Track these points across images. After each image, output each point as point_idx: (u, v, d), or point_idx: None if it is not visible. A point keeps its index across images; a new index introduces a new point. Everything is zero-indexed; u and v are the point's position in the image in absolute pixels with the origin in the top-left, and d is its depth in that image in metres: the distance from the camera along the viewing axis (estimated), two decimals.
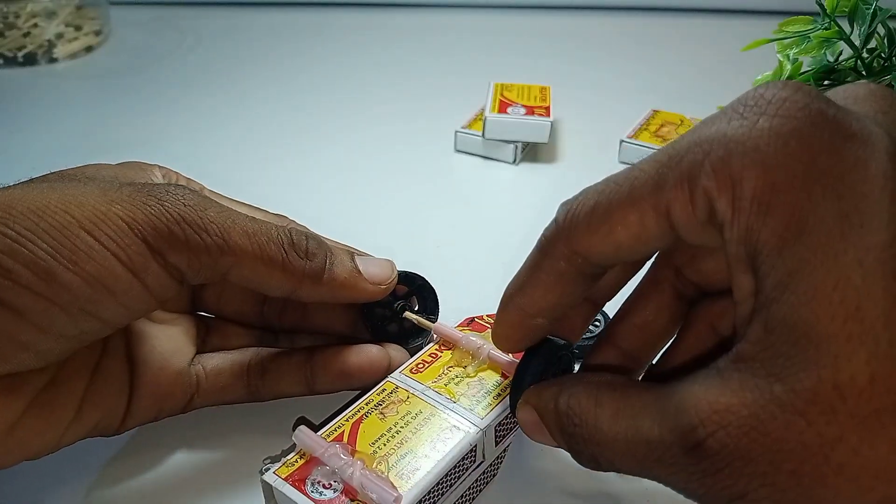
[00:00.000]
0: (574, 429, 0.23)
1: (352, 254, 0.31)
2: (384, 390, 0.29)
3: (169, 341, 0.31)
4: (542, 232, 0.24)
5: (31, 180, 0.27)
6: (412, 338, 0.33)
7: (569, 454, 0.24)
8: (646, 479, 0.21)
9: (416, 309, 0.34)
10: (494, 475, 0.29)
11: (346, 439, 0.26)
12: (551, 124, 0.53)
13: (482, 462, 0.28)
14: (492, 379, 0.29)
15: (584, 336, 0.28)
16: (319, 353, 0.32)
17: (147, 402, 0.30)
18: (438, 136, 0.57)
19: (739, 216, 0.18)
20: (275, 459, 0.26)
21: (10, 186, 0.26)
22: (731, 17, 0.84)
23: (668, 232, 0.20)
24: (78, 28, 0.72)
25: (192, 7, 0.84)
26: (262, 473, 0.26)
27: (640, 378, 0.27)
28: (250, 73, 0.70)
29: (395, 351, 0.32)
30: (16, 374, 0.25)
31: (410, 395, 0.28)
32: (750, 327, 0.18)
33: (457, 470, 0.26)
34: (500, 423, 0.28)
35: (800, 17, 0.38)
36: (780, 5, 0.69)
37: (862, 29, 0.36)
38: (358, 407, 0.28)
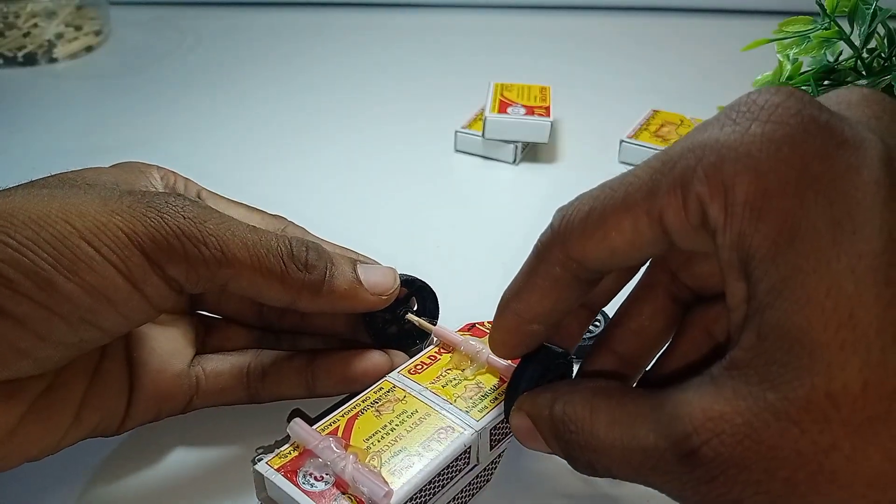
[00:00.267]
0: (570, 435, 0.23)
1: (354, 262, 0.31)
2: (381, 389, 0.29)
3: (168, 343, 0.31)
4: (538, 237, 0.24)
5: (32, 183, 0.27)
6: (413, 340, 0.33)
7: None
8: (641, 486, 0.21)
9: (415, 309, 0.33)
10: (488, 480, 0.29)
11: (340, 434, 0.26)
12: (551, 124, 0.53)
13: (476, 465, 0.28)
14: (490, 383, 0.29)
15: (584, 336, 0.28)
16: (321, 357, 0.32)
17: (146, 403, 0.30)
18: (438, 136, 0.57)
19: (732, 222, 0.19)
20: (268, 450, 0.26)
21: (10, 191, 0.26)
22: (731, 17, 0.84)
23: (662, 237, 0.20)
24: (78, 28, 0.72)
25: (192, 7, 0.84)
26: (255, 463, 0.26)
27: (635, 384, 0.27)
28: (250, 73, 0.70)
29: (398, 357, 0.32)
30: (14, 381, 0.25)
31: (407, 395, 0.28)
32: (743, 334, 0.18)
33: (450, 470, 0.26)
34: (495, 427, 0.28)
35: (800, 17, 0.38)
36: (780, 5, 0.69)
37: (862, 29, 0.36)
38: (354, 404, 0.28)
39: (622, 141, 0.55)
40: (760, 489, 0.18)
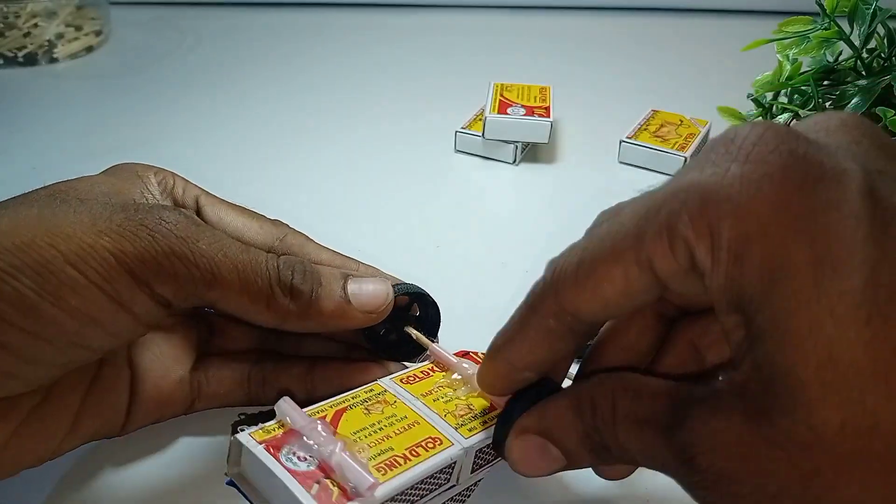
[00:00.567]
0: (604, 426, 0.23)
1: (345, 277, 0.30)
2: (372, 390, 0.28)
3: (170, 348, 0.31)
4: (531, 287, 0.23)
5: (24, 199, 0.27)
6: (411, 351, 0.32)
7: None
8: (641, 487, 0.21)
9: (417, 315, 0.33)
10: None
11: (329, 422, 0.26)
12: (551, 124, 0.53)
13: (454, 486, 0.27)
14: (480, 407, 0.28)
15: None
16: (321, 366, 0.32)
17: (147, 408, 0.30)
18: (438, 137, 0.57)
19: (718, 265, 0.19)
20: (249, 422, 0.26)
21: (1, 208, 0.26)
22: (731, 17, 0.84)
23: (654, 284, 0.21)
24: (78, 28, 0.72)
25: (192, 7, 0.84)
26: (235, 432, 0.25)
27: None
28: (250, 74, 0.70)
29: (396, 370, 0.31)
30: (4, 399, 0.25)
31: (398, 401, 0.28)
32: (744, 360, 0.19)
33: (432, 482, 0.26)
34: (481, 450, 0.27)
35: (800, 17, 0.38)
36: (780, 5, 0.69)
37: (862, 29, 0.36)
38: (343, 398, 0.27)
39: (622, 141, 0.55)
40: (752, 500, 0.19)
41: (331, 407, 0.27)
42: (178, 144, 0.57)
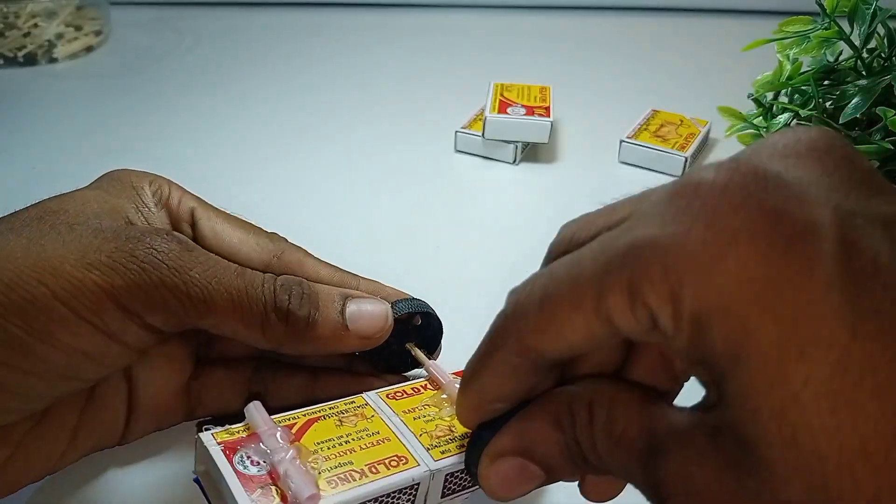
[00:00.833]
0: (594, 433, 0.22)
1: (345, 298, 0.29)
2: (353, 402, 0.28)
3: (168, 359, 0.30)
4: (493, 319, 0.23)
5: (13, 221, 0.26)
6: (410, 367, 0.32)
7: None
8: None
9: (420, 325, 0.32)
10: None
11: (294, 431, 0.26)
12: (551, 124, 0.53)
13: None
14: (462, 430, 0.28)
15: None
16: (323, 378, 0.31)
17: (146, 420, 0.29)
18: (438, 137, 0.57)
19: (681, 334, 0.18)
20: (216, 422, 0.26)
21: None
22: (731, 17, 0.84)
23: (616, 333, 0.20)
24: (78, 28, 0.72)
25: (192, 7, 0.84)
26: (201, 431, 0.25)
27: None
28: (250, 74, 0.70)
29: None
30: None
31: (376, 415, 0.27)
32: (716, 408, 0.18)
33: (389, 501, 0.25)
34: (452, 474, 0.26)
35: (800, 17, 0.38)
36: (780, 5, 0.69)
37: (862, 29, 0.36)
38: (320, 407, 0.27)
39: (622, 141, 0.55)
40: None
41: (304, 415, 0.27)
42: (178, 144, 0.57)
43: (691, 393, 0.21)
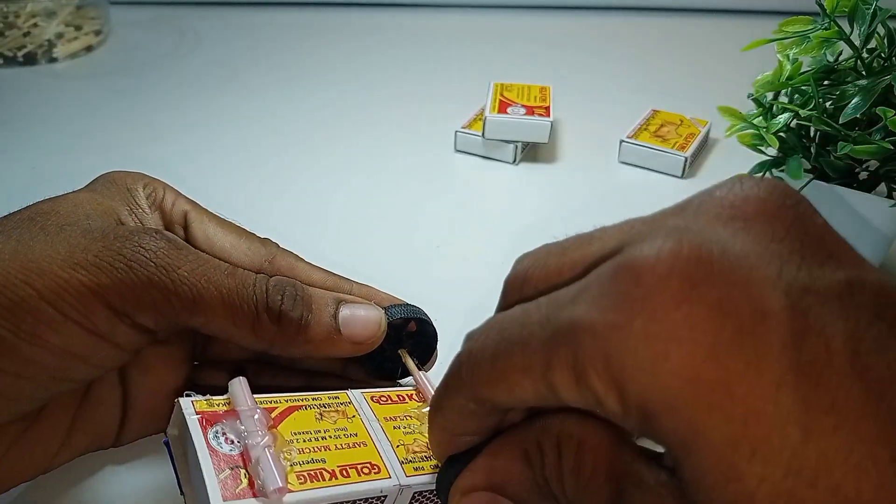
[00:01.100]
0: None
1: (338, 302, 0.29)
2: (336, 398, 0.28)
3: (162, 360, 0.30)
4: (452, 360, 0.22)
5: (4, 222, 0.26)
6: (404, 374, 0.32)
7: None
8: None
9: (414, 331, 0.32)
10: None
11: (273, 416, 0.25)
12: (551, 124, 0.53)
13: None
14: None
15: None
16: (318, 382, 0.31)
17: (142, 422, 0.29)
18: (438, 137, 0.57)
19: (629, 419, 0.17)
20: (201, 392, 0.25)
21: None
22: (731, 17, 0.84)
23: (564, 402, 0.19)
24: (78, 28, 0.72)
25: (192, 7, 0.84)
26: (182, 395, 0.25)
27: None
28: (250, 74, 0.70)
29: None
30: None
31: (357, 416, 0.27)
32: (677, 477, 0.18)
33: None
34: (422, 493, 0.26)
35: (800, 17, 0.38)
36: (780, 5, 0.69)
37: (862, 29, 0.36)
38: (302, 396, 0.27)
39: (622, 141, 0.55)
40: None
41: (286, 401, 0.26)
42: (178, 144, 0.57)
43: None
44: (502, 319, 0.20)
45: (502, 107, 0.54)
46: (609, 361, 0.17)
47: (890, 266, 0.44)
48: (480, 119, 0.56)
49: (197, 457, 0.23)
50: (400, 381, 0.32)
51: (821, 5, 0.37)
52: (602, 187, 0.53)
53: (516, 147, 0.54)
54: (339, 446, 0.25)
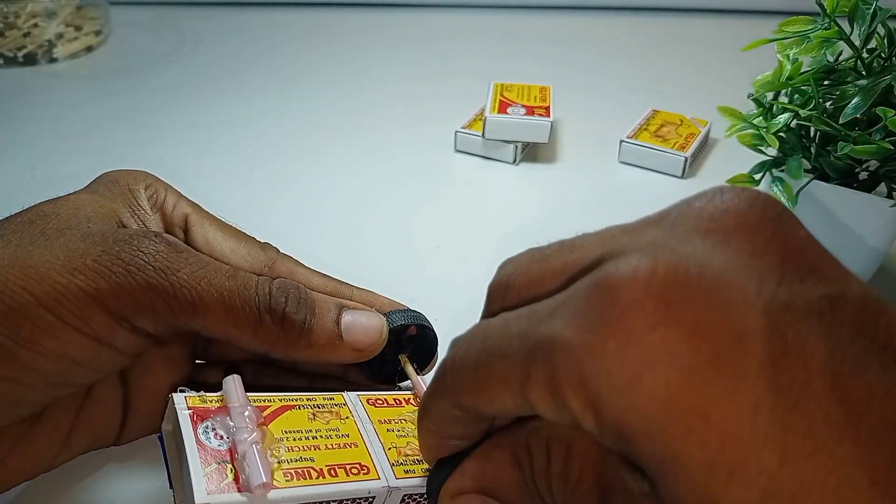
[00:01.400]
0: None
1: (340, 308, 0.29)
2: (331, 398, 0.28)
3: (164, 361, 0.30)
4: (438, 364, 0.22)
5: (4, 225, 0.26)
6: (404, 378, 0.32)
7: None
8: None
9: (415, 335, 0.32)
10: None
11: (265, 415, 0.25)
12: (551, 124, 0.53)
13: None
14: None
15: None
16: (319, 384, 0.31)
17: (142, 422, 0.29)
18: (438, 137, 0.57)
19: (606, 438, 0.17)
20: (196, 388, 0.25)
21: None
22: (731, 17, 0.84)
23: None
24: (78, 28, 0.72)
25: (192, 7, 0.84)
26: (176, 391, 0.25)
27: None
28: (250, 73, 0.70)
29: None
30: None
31: (350, 418, 0.27)
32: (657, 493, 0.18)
33: None
34: (412, 495, 0.26)
35: (800, 17, 0.38)
36: (780, 5, 0.69)
37: (862, 29, 0.36)
38: (297, 395, 0.27)
39: (622, 141, 0.55)
40: None
41: (279, 400, 0.26)
42: (177, 144, 0.57)
43: None
44: (485, 328, 0.20)
45: (502, 107, 0.54)
46: (584, 382, 0.17)
47: (890, 266, 0.44)
48: (480, 119, 0.56)
49: (185, 452, 0.23)
50: (400, 384, 0.32)
51: (821, 5, 0.37)
52: (602, 187, 0.53)
53: (516, 147, 0.54)
54: (329, 446, 0.25)
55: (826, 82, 0.38)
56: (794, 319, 0.16)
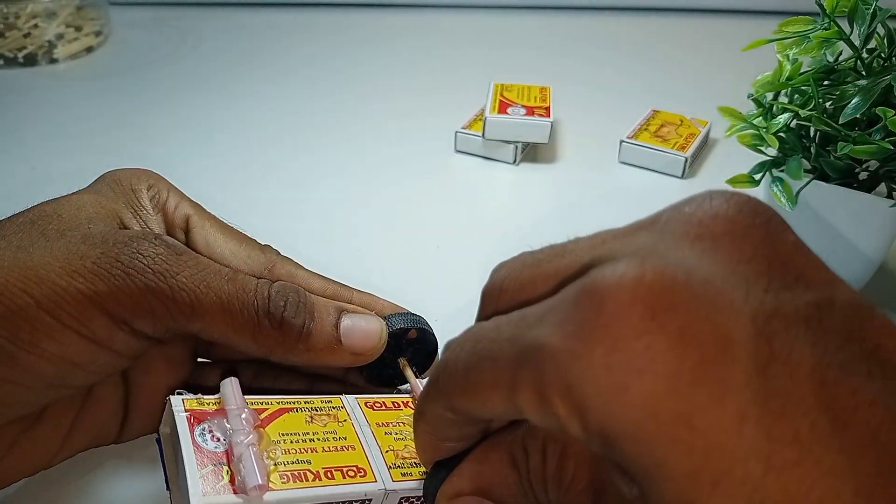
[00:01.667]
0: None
1: (340, 312, 0.29)
2: (329, 401, 0.28)
3: (165, 360, 0.30)
4: (430, 370, 0.22)
5: (6, 225, 0.26)
6: (404, 381, 0.32)
7: None
8: None
9: (415, 338, 0.32)
10: None
11: (263, 416, 0.26)
12: (551, 124, 0.53)
13: None
14: None
15: None
16: (319, 386, 0.31)
17: (142, 421, 0.29)
18: (438, 137, 0.57)
19: (592, 444, 0.17)
20: (194, 391, 0.25)
21: None
22: (731, 17, 0.84)
23: None
24: (78, 28, 0.72)
25: (192, 7, 0.84)
26: (174, 394, 0.25)
27: None
28: (250, 74, 0.70)
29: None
30: None
31: (347, 420, 0.27)
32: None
33: None
34: (409, 498, 0.26)
35: (800, 17, 0.38)
36: (780, 5, 0.69)
37: (862, 29, 0.36)
38: (294, 399, 0.27)
39: (622, 141, 0.55)
40: None
41: (277, 403, 0.26)
42: (178, 144, 0.57)
43: None
44: (477, 332, 0.20)
45: (502, 107, 0.54)
46: (570, 389, 0.17)
47: (890, 266, 0.44)
48: (480, 119, 0.56)
49: (182, 454, 0.23)
50: (400, 388, 0.32)
51: (821, 5, 0.37)
52: (602, 187, 0.53)
53: (516, 147, 0.54)
54: (326, 449, 0.26)
55: (826, 82, 0.38)
56: (782, 327, 0.16)
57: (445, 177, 0.54)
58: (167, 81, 0.68)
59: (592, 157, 0.56)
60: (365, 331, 0.29)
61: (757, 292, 0.17)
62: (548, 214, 0.50)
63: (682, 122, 0.57)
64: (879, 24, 0.36)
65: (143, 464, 0.31)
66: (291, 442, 0.25)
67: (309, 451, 0.25)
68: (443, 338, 0.33)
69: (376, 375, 0.31)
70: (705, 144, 0.58)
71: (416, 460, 0.27)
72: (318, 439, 0.26)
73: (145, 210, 0.30)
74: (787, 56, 0.38)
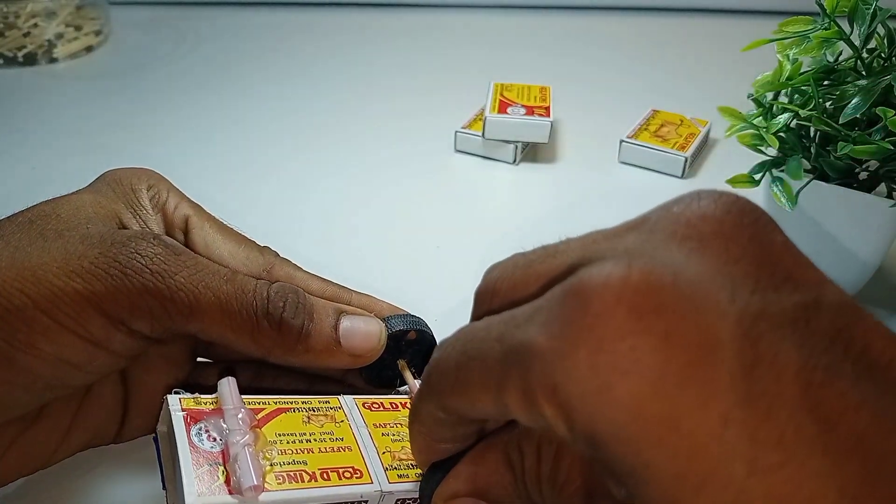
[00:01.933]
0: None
1: (339, 313, 0.29)
2: (326, 402, 0.28)
3: (164, 360, 0.29)
4: (424, 371, 0.22)
5: (5, 224, 0.26)
6: (403, 383, 0.32)
7: None
8: None
9: (414, 339, 0.31)
10: None
11: (259, 417, 0.25)
12: (551, 124, 0.53)
13: None
14: None
15: None
16: (318, 386, 0.31)
17: (142, 421, 0.29)
18: (438, 136, 0.57)
19: (578, 445, 0.17)
20: (191, 390, 0.25)
21: None
22: (731, 17, 0.84)
23: None
24: (78, 28, 0.72)
25: (192, 7, 0.84)
26: (171, 393, 0.25)
27: None
28: (250, 74, 0.70)
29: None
30: None
31: (345, 421, 0.27)
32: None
33: None
34: (405, 500, 0.26)
35: (800, 17, 0.38)
36: (780, 5, 0.69)
37: (862, 29, 0.36)
38: (292, 399, 0.27)
39: (622, 141, 0.55)
40: None
41: (274, 403, 0.26)
42: (177, 144, 0.57)
43: None
44: (469, 332, 0.20)
45: (502, 107, 0.54)
46: (556, 389, 0.16)
47: (890, 266, 0.44)
48: (480, 119, 0.56)
49: (178, 453, 0.23)
50: (399, 389, 0.32)
51: (821, 5, 0.37)
52: (602, 187, 0.53)
53: (516, 147, 0.54)
54: (322, 449, 0.25)
55: (826, 82, 0.38)
56: (768, 329, 0.16)
57: (445, 177, 0.54)
58: (167, 81, 0.68)
59: (592, 157, 0.56)
60: (364, 332, 0.29)
61: (743, 293, 0.17)
62: (548, 214, 0.50)
63: (682, 121, 0.57)
64: (879, 24, 0.36)
65: (140, 464, 0.31)
66: (288, 442, 0.25)
67: (305, 451, 0.25)
68: (442, 338, 0.33)
69: (375, 377, 0.31)
70: (705, 144, 0.58)
71: (412, 462, 0.27)
72: (315, 440, 0.26)
73: (145, 210, 0.29)
74: (787, 56, 0.38)
